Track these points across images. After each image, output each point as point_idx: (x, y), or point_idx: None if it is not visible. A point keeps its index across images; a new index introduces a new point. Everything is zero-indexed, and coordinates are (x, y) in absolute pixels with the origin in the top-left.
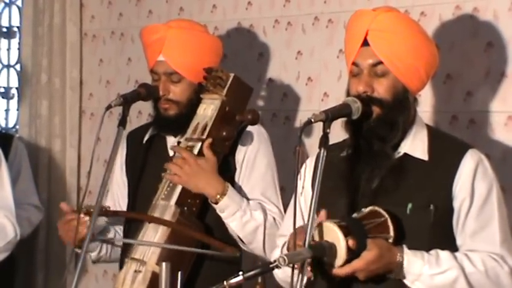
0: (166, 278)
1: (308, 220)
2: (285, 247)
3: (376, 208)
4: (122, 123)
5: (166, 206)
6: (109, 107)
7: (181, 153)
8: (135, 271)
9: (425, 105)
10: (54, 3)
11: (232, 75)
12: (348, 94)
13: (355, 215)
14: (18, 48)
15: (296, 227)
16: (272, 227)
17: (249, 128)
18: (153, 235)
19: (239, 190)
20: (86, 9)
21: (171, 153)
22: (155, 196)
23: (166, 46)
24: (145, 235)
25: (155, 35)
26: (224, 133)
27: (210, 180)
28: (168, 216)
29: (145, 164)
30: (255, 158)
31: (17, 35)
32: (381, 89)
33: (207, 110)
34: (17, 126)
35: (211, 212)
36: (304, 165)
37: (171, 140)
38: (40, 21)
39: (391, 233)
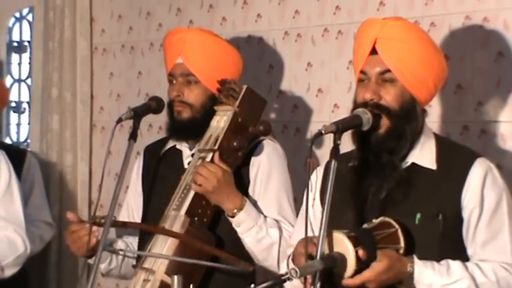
0: None
1: (320, 231)
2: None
3: (387, 219)
4: (133, 136)
5: (176, 216)
6: (120, 121)
7: (208, 167)
8: (144, 280)
9: (436, 115)
10: (65, 17)
11: (245, 86)
12: (355, 102)
13: (365, 225)
14: (29, 63)
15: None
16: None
17: (265, 142)
18: (163, 245)
19: (254, 205)
20: (96, 23)
21: (186, 166)
22: (167, 207)
23: (186, 48)
24: (154, 245)
25: (176, 36)
26: (235, 143)
27: (229, 193)
28: (177, 226)
29: (160, 176)
30: (269, 174)
31: (28, 50)
32: (388, 97)
33: (220, 121)
34: (28, 141)
35: (223, 224)
36: (313, 176)
37: (186, 153)
38: (51, 35)
39: (402, 243)
